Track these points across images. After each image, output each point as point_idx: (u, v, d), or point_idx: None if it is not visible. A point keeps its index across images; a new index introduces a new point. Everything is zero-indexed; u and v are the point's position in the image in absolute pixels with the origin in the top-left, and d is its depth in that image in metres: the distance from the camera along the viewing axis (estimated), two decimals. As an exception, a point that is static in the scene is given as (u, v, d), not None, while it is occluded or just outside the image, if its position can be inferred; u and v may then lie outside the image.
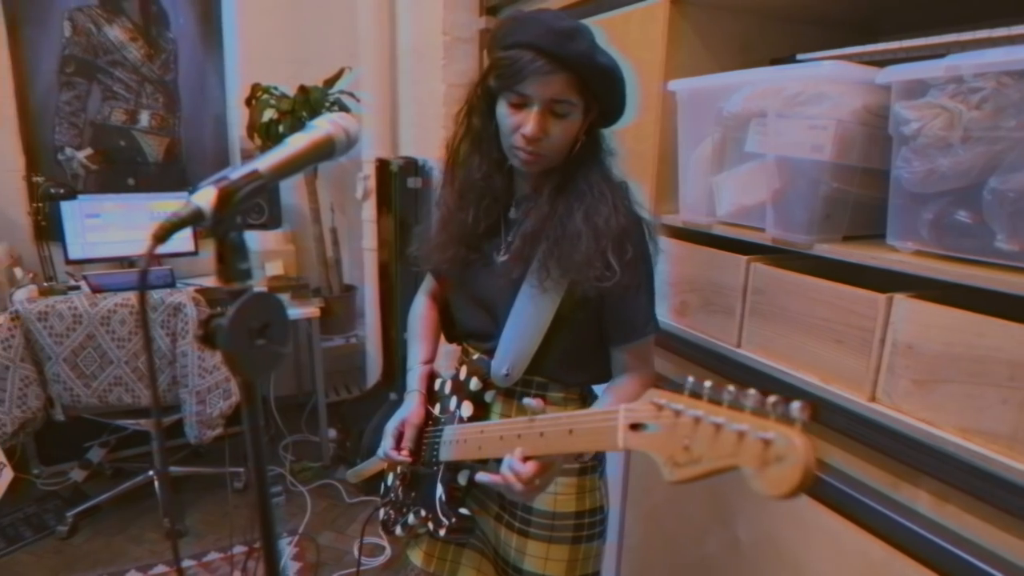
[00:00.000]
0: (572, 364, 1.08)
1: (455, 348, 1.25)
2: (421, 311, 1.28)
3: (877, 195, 1.05)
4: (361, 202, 2.78)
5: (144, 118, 2.79)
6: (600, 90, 0.96)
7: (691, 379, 0.59)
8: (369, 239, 2.76)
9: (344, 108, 2.66)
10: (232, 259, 0.51)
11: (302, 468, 2.78)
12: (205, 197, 0.50)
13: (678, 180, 1.39)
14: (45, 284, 2.48)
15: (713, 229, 1.31)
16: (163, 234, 0.48)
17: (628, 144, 1.48)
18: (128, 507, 2.47)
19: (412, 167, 2.44)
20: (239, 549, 2.22)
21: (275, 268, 2.92)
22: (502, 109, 0.97)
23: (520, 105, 0.94)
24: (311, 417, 3.03)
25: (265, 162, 0.54)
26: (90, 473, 2.66)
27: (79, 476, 2.63)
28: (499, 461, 0.97)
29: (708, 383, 0.58)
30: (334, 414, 2.90)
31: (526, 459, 0.86)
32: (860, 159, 1.05)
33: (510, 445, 0.88)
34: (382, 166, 2.55)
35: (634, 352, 1.07)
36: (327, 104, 2.63)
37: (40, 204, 2.52)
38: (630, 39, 1.46)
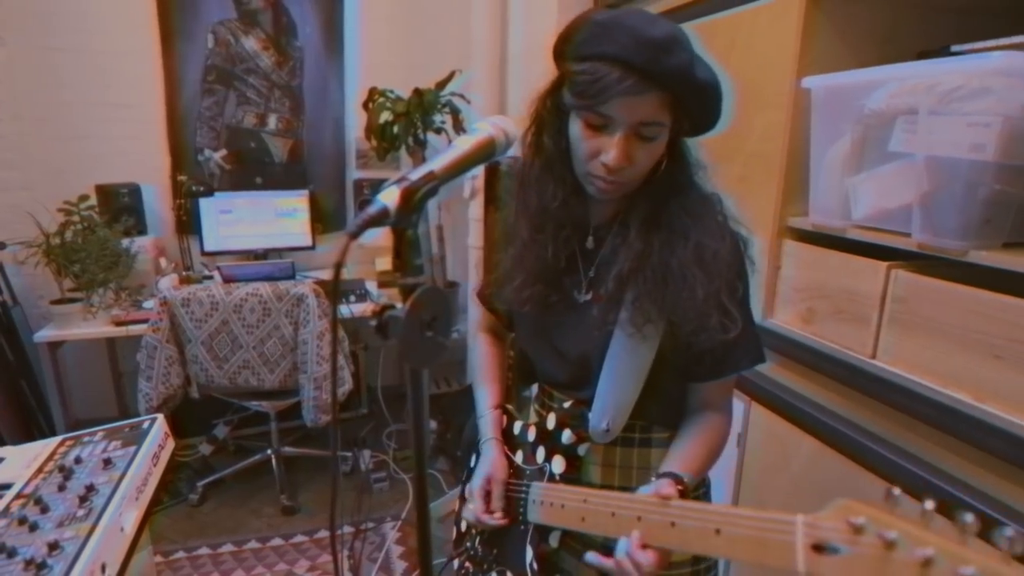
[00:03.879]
0: (678, 405, 0.98)
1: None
2: (484, 350, 1.18)
3: (1049, 198, 0.96)
4: (468, 201, 2.85)
5: (272, 121, 3.01)
6: (696, 108, 0.82)
7: (897, 491, 0.47)
8: (475, 237, 2.82)
9: (455, 110, 2.74)
10: (409, 254, 0.54)
11: (405, 456, 2.89)
12: (390, 196, 0.53)
13: (808, 181, 1.33)
14: (184, 273, 2.74)
15: (847, 233, 1.24)
16: (358, 232, 0.51)
17: (753, 144, 1.43)
18: (249, 482, 2.67)
19: (519, 167, 2.47)
20: (348, 529, 2.35)
21: (383, 263, 3.05)
22: (576, 130, 0.83)
23: (599, 127, 0.80)
24: (413, 408, 3.14)
25: (439, 163, 0.57)
26: (216, 448, 2.89)
27: (207, 450, 2.87)
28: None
29: (929, 503, 0.44)
30: (435, 406, 2.99)
31: (644, 545, 0.74)
32: (1030, 159, 0.96)
33: (626, 526, 0.75)
34: (490, 166, 2.60)
35: (723, 387, 0.98)
36: (439, 106, 2.72)
37: (182, 200, 2.78)
38: (758, 34, 1.41)
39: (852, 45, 1.31)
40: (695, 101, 0.80)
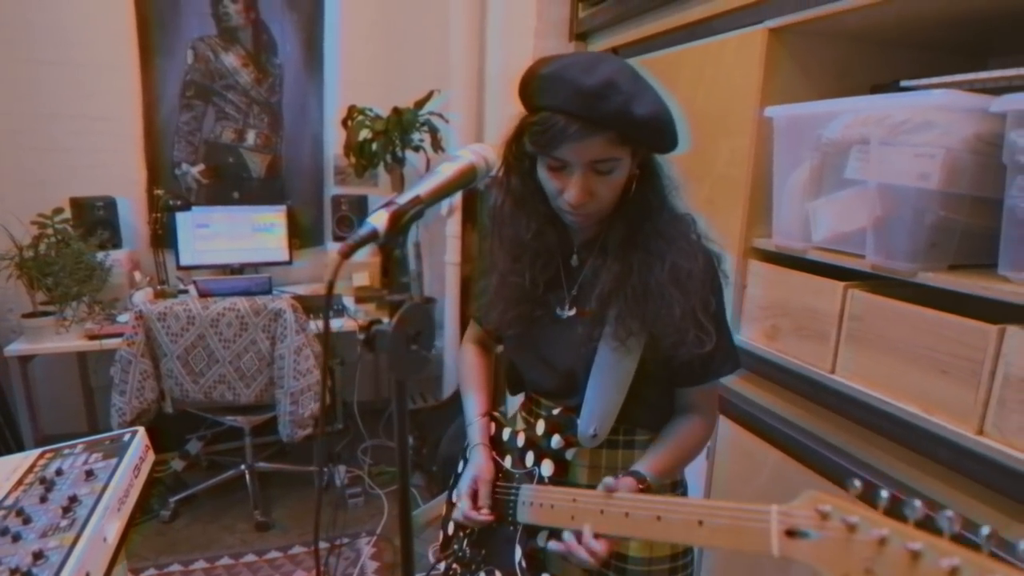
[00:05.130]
0: (658, 409, 1.05)
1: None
2: (472, 360, 1.23)
3: (988, 224, 1.03)
4: (446, 218, 2.90)
5: (251, 137, 3.02)
6: (643, 140, 0.88)
7: (858, 482, 0.53)
8: (452, 253, 2.86)
9: (433, 129, 2.79)
10: (395, 272, 0.58)
11: (380, 472, 2.89)
12: (379, 219, 0.57)
13: (772, 204, 1.40)
14: (159, 287, 2.72)
15: (808, 254, 1.31)
16: (349, 252, 0.55)
17: (720, 168, 1.51)
18: (222, 498, 2.64)
19: (497, 186, 2.53)
20: (323, 545, 2.34)
21: (361, 279, 3.07)
22: (542, 171, 0.92)
23: (559, 168, 0.88)
24: (389, 423, 3.14)
25: (424, 188, 0.61)
26: (188, 464, 2.85)
27: (179, 466, 2.83)
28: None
29: (885, 492, 0.51)
30: (412, 421, 2.97)
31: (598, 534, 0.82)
32: (970, 188, 1.03)
33: (615, 523, 0.80)
34: (468, 184, 2.65)
35: (705, 392, 1.04)
36: (418, 125, 2.77)
37: (159, 214, 2.77)
38: (724, 65, 1.49)
39: (812, 77, 1.40)
40: (639, 135, 0.86)
